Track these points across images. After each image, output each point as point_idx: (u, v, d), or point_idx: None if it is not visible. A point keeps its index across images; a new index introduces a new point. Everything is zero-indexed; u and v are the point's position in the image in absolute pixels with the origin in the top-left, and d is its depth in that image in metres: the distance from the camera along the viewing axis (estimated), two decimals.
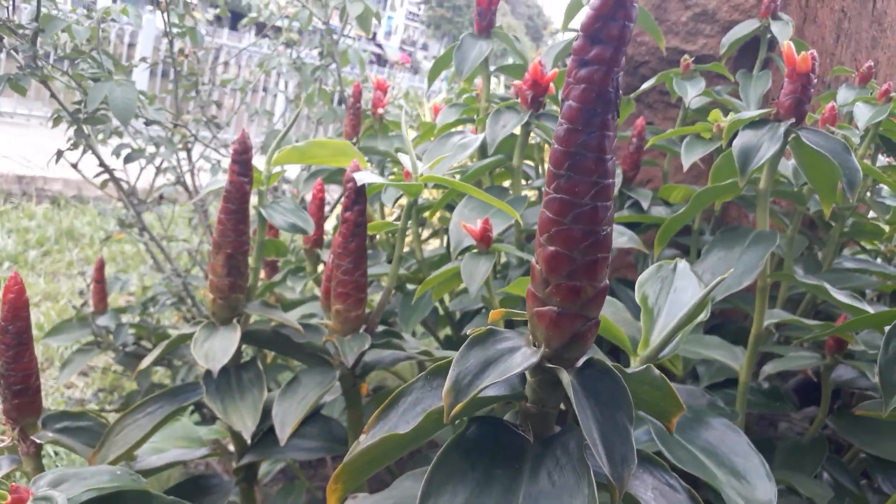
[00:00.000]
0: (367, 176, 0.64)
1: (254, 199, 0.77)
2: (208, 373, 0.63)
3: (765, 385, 0.86)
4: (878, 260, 1.14)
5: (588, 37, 0.33)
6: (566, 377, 0.35)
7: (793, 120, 0.64)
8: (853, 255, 1.14)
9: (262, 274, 1.21)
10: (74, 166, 1.47)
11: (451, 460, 0.36)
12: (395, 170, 1.30)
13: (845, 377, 0.80)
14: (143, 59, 1.22)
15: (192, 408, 1.54)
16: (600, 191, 0.34)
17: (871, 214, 1.16)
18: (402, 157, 0.71)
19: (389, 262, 1.21)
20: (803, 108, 0.64)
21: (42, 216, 4.11)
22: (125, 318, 1.47)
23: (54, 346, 2.57)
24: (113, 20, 1.27)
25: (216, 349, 0.64)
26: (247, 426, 0.62)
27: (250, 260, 0.74)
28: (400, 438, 0.37)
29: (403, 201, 0.85)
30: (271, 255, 0.77)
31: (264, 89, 5.78)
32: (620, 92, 0.34)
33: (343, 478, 0.39)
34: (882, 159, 1.10)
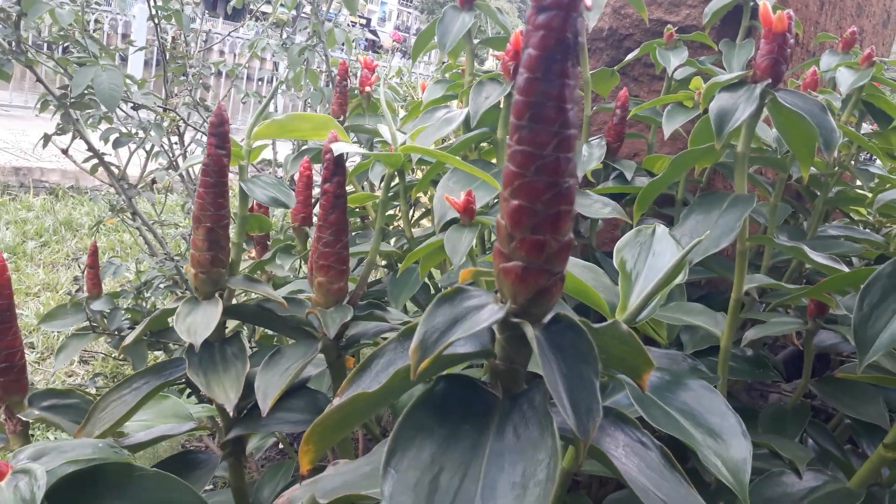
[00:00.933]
0: (344, 146, 0.64)
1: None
2: (191, 347, 0.64)
3: (748, 352, 0.86)
4: (867, 230, 1.15)
5: None
6: (530, 331, 0.36)
7: (769, 80, 0.64)
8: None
9: (254, 253, 1.22)
10: (65, 152, 1.47)
11: (419, 416, 0.36)
12: (386, 150, 1.30)
13: (828, 342, 0.81)
14: (130, 42, 1.22)
15: (188, 391, 1.55)
16: (562, 141, 0.34)
17: (859, 183, 1.17)
18: (382, 128, 0.70)
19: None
20: (780, 68, 0.64)
21: (40, 207, 4.11)
22: (120, 303, 1.47)
23: (55, 336, 2.59)
24: (97, 4, 1.26)
25: (198, 323, 0.64)
26: (230, 399, 0.62)
27: (232, 235, 0.74)
28: (369, 397, 0.38)
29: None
30: (255, 231, 0.77)
31: (260, 80, 5.77)
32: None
33: (314, 438, 0.39)
34: (867, 127, 1.10)
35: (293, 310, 0.71)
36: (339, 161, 0.66)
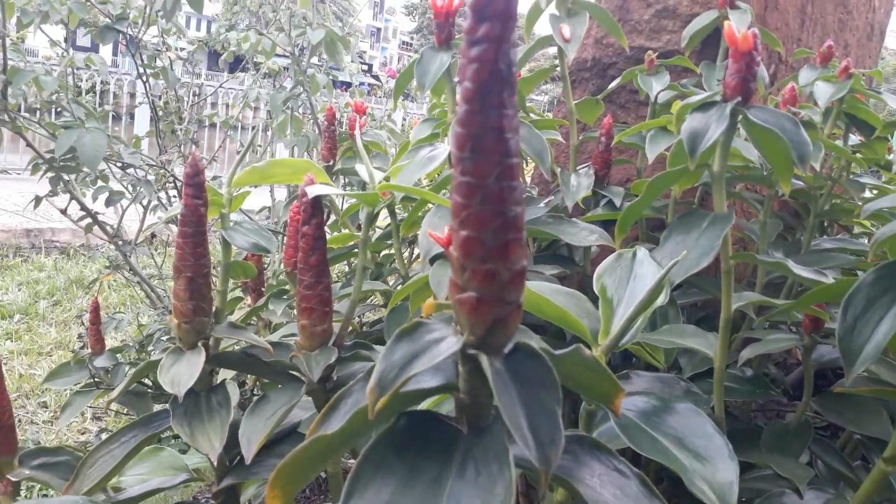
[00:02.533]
0: (319, 188, 0.64)
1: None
2: (175, 398, 0.63)
3: (748, 372, 0.85)
4: (866, 241, 1.13)
5: (476, 15, 0.33)
6: (485, 361, 0.35)
7: (739, 98, 0.64)
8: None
9: (249, 300, 1.22)
10: (63, 212, 1.49)
11: (379, 454, 0.36)
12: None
13: (827, 357, 0.79)
14: (116, 101, 1.24)
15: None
16: (504, 170, 0.35)
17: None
18: (359, 168, 0.71)
19: (374, 279, 1.22)
20: (749, 86, 0.64)
21: (51, 267, 4.16)
22: (123, 358, 1.48)
23: (68, 394, 2.60)
24: (97, 72, 1.29)
25: (182, 374, 0.64)
26: (213, 447, 0.61)
27: (217, 282, 0.75)
28: (328, 439, 0.37)
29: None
30: (240, 277, 0.78)
31: (253, 128, 5.86)
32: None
33: (280, 483, 0.39)
34: (855, 139, 1.10)
35: (280, 354, 0.71)
36: (316, 203, 0.66)
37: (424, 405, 0.59)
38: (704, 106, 0.67)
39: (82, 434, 2.55)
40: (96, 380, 1.42)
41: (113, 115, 5.63)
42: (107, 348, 1.45)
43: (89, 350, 1.45)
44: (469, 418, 0.39)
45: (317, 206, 0.67)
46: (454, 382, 0.40)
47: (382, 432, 0.37)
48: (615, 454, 0.43)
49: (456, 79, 1.05)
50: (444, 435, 0.38)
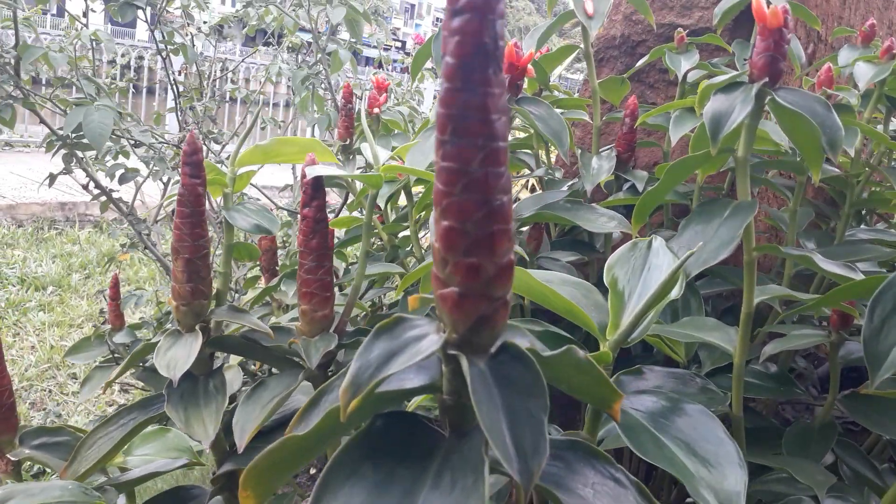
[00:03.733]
0: (319, 169, 0.62)
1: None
2: (170, 382, 0.62)
3: (772, 368, 0.81)
4: None
5: None
6: (465, 363, 0.32)
7: (766, 79, 0.59)
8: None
9: (263, 281, 1.21)
10: (85, 187, 1.49)
11: (351, 459, 0.33)
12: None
13: (855, 355, 0.75)
14: (131, 80, 1.23)
15: None
16: (489, 155, 0.31)
17: None
18: (363, 148, 0.68)
19: (391, 261, 1.19)
20: (778, 66, 0.60)
21: (85, 240, 4.22)
22: (142, 335, 1.49)
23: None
24: (132, 48, 1.28)
25: (178, 357, 0.62)
26: (208, 434, 0.60)
27: (219, 264, 0.73)
28: (300, 440, 0.35)
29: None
30: (245, 259, 0.76)
31: (275, 104, 5.90)
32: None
33: (251, 484, 0.37)
34: None
35: (280, 339, 0.69)
36: (317, 185, 0.64)
37: (413, 403, 0.56)
38: (729, 87, 0.63)
39: (110, 406, 2.60)
40: (115, 355, 1.42)
41: (147, 90, 5.67)
42: (127, 324, 1.45)
43: (109, 325, 1.46)
44: (452, 421, 0.36)
45: (318, 188, 0.65)
46: (438, 382, 0.37)
47: (356, 435, 0.34)
48: (612, 461, 0.40)
49: None
50: (423, 439, 0.35)
